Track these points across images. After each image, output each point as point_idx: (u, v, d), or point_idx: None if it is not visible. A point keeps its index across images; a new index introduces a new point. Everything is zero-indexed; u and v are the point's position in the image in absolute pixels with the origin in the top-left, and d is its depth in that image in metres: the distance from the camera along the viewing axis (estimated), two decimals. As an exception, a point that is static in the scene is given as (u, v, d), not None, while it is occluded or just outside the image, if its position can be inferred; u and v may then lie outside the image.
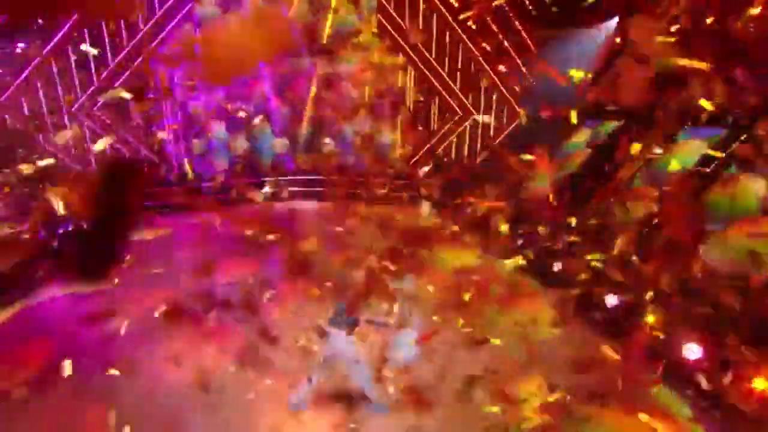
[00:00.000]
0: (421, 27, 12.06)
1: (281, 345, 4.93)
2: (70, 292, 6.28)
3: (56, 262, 7.05)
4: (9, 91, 10.40)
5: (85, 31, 10.81)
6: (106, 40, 11.19)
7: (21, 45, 10.15)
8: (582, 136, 10.62)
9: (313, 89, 12.36)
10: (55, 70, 10.85)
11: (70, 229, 8.05)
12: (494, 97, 12.72)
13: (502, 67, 12.40)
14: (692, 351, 4.09)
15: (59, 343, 5.08)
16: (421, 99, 13.12)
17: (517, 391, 4.11)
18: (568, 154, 10.32)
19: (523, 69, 11.03)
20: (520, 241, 7.63)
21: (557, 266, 6.45)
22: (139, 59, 11.40)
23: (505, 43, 11.99)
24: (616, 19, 10.17)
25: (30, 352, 4.93)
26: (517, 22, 11.45)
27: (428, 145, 12.93)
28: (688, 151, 7.68)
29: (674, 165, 7.36)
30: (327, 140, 12.82)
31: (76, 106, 11.45)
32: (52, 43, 10.55)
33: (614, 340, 5.11)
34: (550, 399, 4.10)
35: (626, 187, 7.78)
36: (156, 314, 5.51)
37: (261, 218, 9.91)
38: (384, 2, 11.87)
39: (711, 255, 6.09)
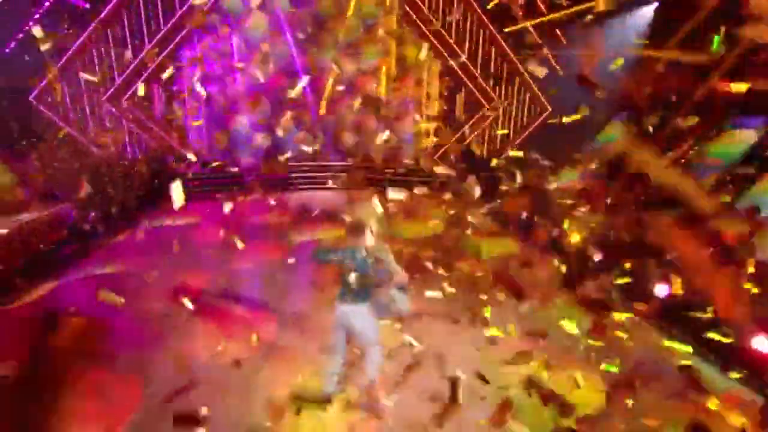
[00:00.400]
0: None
1: (308, 330, 4.81)
2: (99, 273, 6.30)
3: (87, 243, 7.17)
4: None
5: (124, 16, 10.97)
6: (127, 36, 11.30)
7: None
8: (616, 129, 10.27)
9: (330, 85, 12.32)
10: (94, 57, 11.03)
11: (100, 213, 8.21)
12: (521, 90, 12.40)
13: (531, 62, 12.11)
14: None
15: (89, 320, 5.06)
16: (446, 92, 12.90)
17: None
18: (603, 145, 9.98)
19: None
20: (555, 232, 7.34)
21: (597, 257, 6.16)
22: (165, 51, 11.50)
23: (534, 34, 11.68)
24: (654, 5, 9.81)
25: (62, 327, 4.92)
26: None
27: (454, 139, 12.69)
28: (735, 141, 7.31)
29: (719, 153, 7.03)
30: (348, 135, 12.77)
31: (106, 96, 11.63)
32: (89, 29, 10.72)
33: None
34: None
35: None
36: (184, 297, 5.44)
37: (286, 207, 9.89)
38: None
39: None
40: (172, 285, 5.81)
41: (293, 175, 12.29)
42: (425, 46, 12.14)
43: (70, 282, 6.10)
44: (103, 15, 10.80)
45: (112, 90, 11.45)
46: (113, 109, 11.60)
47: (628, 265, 5.61)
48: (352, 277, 3.30)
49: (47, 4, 9.69)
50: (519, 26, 11.47)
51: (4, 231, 5.96)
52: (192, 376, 4.11)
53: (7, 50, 9.37)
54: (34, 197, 7.39)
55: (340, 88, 12.03)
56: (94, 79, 10.40)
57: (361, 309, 3.41)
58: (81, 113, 11.32)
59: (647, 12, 10.02)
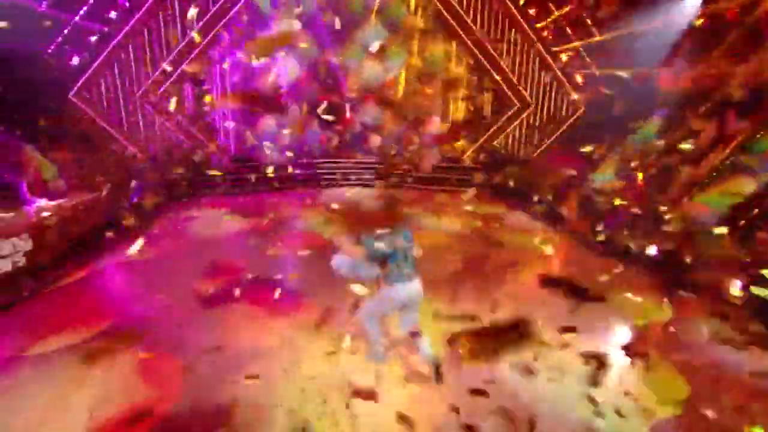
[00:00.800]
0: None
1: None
2: (134, 258, 6.31)
3: (122, 231, 7.24)
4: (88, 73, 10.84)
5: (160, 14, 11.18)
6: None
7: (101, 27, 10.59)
8: (654, 126, 9.95)
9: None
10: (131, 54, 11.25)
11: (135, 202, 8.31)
12: (554, 88, 12.14)
13: (563, 57, 11.88)
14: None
15: (128, 303, 5.04)
16: (474, 92, 12.73)
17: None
18: (642, 143, 9.66)
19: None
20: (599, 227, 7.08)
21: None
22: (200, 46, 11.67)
23: (569, 32, 11.46)
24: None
25: (101, 309, 4.91)
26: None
27: (484, 137, 12.48)
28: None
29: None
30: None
31: (140, 92, 11.83)
32: (129, 25, 10.95)
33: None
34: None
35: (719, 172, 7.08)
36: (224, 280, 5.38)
37: (316, 202, 9.86)
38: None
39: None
40: (210, 269, 5.78)
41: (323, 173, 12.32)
42: (452, 43, 12.06)
43: (107, 266, 6.12)
44: (140, 13, 11.03)
45: (144, 87, 11.63)
46: (147, 106, 11.78)
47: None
48: (397, 256, 3.48)
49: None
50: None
51: (48, 214, 6.03)
52: (233, 359, 4.01)
53: (51, 47, 9.63)
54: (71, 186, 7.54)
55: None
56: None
57: (408, 285, 3.53)
58: (117, 111, 11.52)
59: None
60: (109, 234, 6.89)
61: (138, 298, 5.09)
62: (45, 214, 6.04)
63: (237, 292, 5.08)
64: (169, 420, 3.22)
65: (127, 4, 10.81)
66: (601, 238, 7.23)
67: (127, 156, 10.64)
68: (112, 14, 10.64)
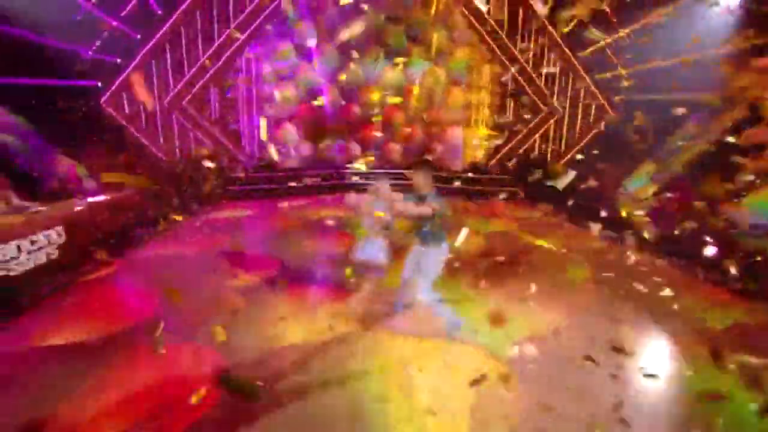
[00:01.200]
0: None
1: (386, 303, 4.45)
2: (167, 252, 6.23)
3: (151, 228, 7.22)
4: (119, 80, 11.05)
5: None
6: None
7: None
8: (690, 130, 9.62)
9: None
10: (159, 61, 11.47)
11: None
12: (581, 96, 11.92)
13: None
14: None
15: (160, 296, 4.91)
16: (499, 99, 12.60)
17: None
18: (678, 149, 9.35)
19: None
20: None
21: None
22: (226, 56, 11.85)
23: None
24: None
25: (137, 300, 4.80)
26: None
27: (510, 144, 12.28)
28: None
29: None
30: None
31: (167, 99, 12.03)
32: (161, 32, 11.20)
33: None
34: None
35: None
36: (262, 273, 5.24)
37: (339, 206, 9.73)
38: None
39: None
40: (243, 264, 5.65)
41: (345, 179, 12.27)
42: (477, 49, 12.01)
43: (138, 260, 6.04)
44: (170, 22, 11.27)
45: (173, 93, 11.81)
46: (174, 113, 11.94)
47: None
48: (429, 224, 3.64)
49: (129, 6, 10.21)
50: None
51: (81, 207, 6.01)
52: (275, 350, 3.82)
53: (89, 53, 9.88)
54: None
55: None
56: None
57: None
58: (147, 117, 11.70)
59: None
60: (140, 231, 6.84)
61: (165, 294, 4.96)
62: (78, 208, 6.03)
63: (276, 282, 4.95)
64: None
65: (160, 12, 11.04)
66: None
67: (157, 160, 10.74)
68: (146, 21, 10.91)
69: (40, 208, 5.61)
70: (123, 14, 10.21)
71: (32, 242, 5.03)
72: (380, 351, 3.72)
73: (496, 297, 4.77)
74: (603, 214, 8.22)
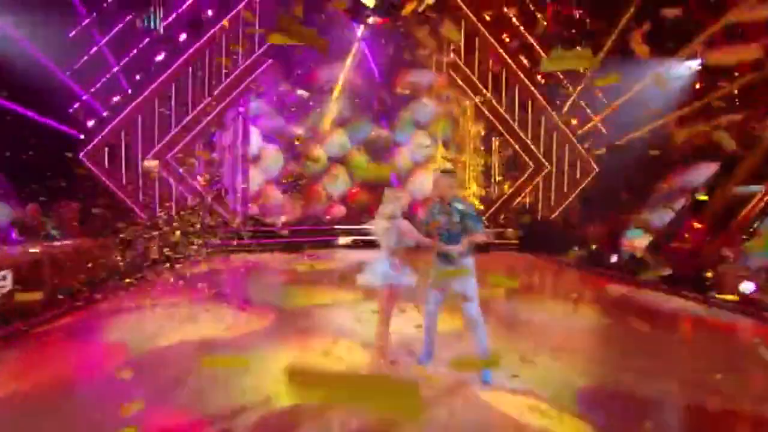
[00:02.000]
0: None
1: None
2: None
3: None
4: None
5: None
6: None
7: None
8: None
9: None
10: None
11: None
12: (568, 150, 12.20)
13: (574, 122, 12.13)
14: None
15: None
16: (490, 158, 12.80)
17: None
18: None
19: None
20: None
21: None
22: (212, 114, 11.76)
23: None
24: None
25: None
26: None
27: (501, 199, 12.23)
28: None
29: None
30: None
31: (150, 154, 11.66)
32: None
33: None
34: None
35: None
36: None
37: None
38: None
39: None
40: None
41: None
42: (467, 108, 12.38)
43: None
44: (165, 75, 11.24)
45: (157, 148, 11.46)
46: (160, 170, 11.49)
47: None
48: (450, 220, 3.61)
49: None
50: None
51: (36, 250, 5.25)
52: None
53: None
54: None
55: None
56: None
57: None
58: (125, 174, 11.23)
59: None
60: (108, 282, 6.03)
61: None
62: (32, 251, 5.26)
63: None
64: None
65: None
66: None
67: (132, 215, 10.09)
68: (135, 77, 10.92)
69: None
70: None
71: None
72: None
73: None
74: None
